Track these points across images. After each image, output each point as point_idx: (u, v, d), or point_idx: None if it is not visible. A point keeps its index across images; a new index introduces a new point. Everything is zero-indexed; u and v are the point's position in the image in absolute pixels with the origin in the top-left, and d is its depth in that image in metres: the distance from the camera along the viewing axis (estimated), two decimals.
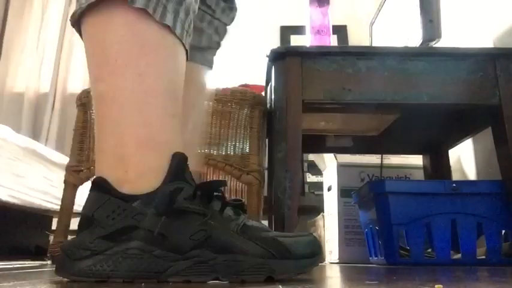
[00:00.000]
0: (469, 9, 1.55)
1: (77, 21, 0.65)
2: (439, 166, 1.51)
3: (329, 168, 1.63)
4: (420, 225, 1.06)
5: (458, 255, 1.07)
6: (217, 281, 0.57)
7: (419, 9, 1.09)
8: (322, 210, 1.74)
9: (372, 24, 1.53)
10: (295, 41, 2.59)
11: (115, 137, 0.62)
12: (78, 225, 0.60)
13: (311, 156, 2.22)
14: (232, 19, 0.92)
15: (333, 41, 1.29)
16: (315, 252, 0.61)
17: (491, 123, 1.07)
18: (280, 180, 1.00)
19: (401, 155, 1.60)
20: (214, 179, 1.30)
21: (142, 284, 0.55)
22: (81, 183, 1.28)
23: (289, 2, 2.66)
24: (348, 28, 2.62)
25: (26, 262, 1.45)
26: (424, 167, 1.56)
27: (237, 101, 1.24)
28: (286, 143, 1.01)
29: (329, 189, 1.62)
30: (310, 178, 2.32)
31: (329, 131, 1.46)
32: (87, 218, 0.59)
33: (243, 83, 1.72)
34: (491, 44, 1.38)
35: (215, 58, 0.92)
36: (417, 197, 1.08)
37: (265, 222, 1.32)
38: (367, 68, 1.05)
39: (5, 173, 1.46)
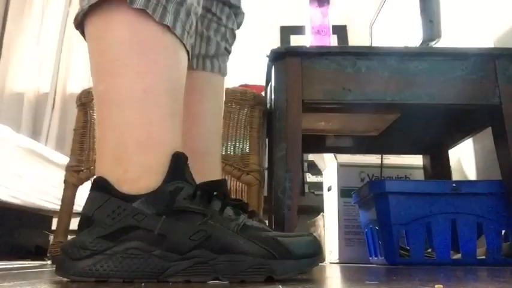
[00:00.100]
0: (469, 9, 1.55)
1: (80, 24, 0.66)
2: (439, 166, 1.51)
3: (329, 168, 1.63)
4: (420, 225, 1.06)
5: (458, 255, 1.07)
6: (217, 281, 0.57)
7: (419, 9, 1.09)
8: (322, 210, 1.74)
9: (372, 24, 1.53)
10: (295, 41, 2.59)
11: (115, 137, 0.62)
12: (78, 225, 0.60)
13: (311, 156, 2.22)
14: (240, 24, 0.92)
15: (333, 41, 1.29)
16: (315, 252, 0.61)
17: (491, 123, 1.07)
18: (280, 180, 1.00)
19: (401, 155, 1.60)
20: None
21: (142, 284, 0.55)
22: (81, 183, 1.28)
23: (289, 2, 2.66)
24: (348, 28, 2.62)
25: (26, 262, 1.45)
26: (424, 167, 1.56)
27: (237, 101, 1.25)
28: (286, 143, 1.01)
29: (329, 189, 1.62)
30: (310, 178, 2.32)
31: (329, 131, 1.46)
32: (87, 217, 0.59)
33: (243, 83, 1.73)
34: (491, 44, 1.38)
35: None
36: (417, 197, 1.08)
37: (266, 222, 1.32)
38: (367, 68, 1.05)
39: (5, 173, 1.46)
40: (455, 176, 1.57)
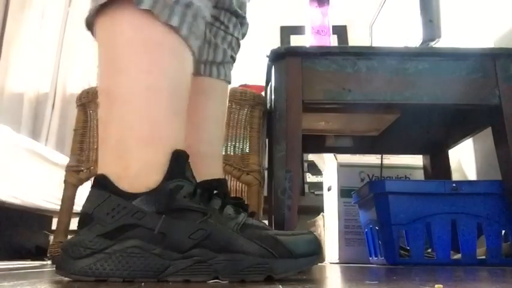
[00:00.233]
0: (469, 9, 1.55)
1: (91, 24, 0.68)
2: (439, 166, 1.51)
3: (329, 168, 1.63)
4: (420, 225, 1.06)
5: (458, 255, 1.07)
6: (217, 281, 0.57)
7: (419, 9, 1.09)
8: (322, 210, 1.74)
9: (372, 24, 1.53)
10: (295, 41, 2.59)
11: (117, 133, 0.62)
12: (78, 222, 0.60)
13: (311, 156, 2.22)
14: (244, 34, 0.95)
15: (333, 41, 1.29)
16: (315, 251, 0.61)
17: (491, 123, 1.07)
18: (280, 180, 1.00)
19: (401, 155, 1.60)
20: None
21: (142, 283, 0.55)
22: (81, 183, 1.28)
23: (289, 2, 2.66)
24: (348, 28, 2.62)
25: (26, 262, 1.45)
26: (424, 167, 1.56)
27: (237, 101, 1.25)
28: (286, 143, 1.01)
29: (329, 189, 1.62)
30: (310, 178, 2.32)
31: (329, 131, 1.46)
32: (87, 215, 0.60)
33: (243, 83, 1.73)
34: (491, 44, 1.38)
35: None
36: (417, 197, 1.08)
37: (265, 222, 1.32)
38: (367, 68, 1.05)
39: (5, 173, 1.46)
40: (455, 176, 1.57)
